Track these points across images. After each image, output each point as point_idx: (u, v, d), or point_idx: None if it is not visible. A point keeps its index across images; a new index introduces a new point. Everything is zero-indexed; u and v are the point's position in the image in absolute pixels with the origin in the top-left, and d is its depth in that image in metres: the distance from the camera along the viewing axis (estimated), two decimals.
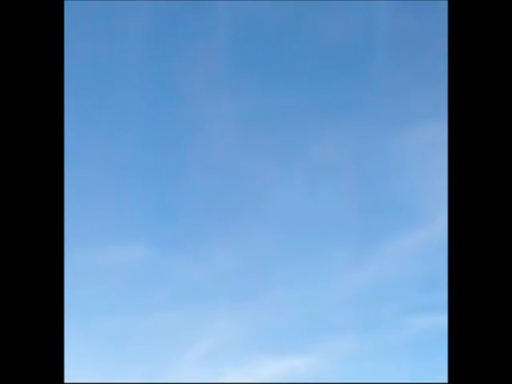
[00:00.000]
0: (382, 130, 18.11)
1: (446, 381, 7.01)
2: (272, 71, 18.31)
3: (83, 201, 18.12)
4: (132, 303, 17.75)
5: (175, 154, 18.67)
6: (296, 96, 18.27)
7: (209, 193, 18.64)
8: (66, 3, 7.81)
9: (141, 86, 18.13)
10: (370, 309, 17.53)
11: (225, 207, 18.56)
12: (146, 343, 17.19)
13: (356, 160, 18.41)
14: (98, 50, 17.66)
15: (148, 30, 17.77)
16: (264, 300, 17.78)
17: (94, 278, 17.79)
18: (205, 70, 17.93)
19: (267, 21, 17.99)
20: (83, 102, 17.86)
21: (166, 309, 17.64)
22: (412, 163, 17.86)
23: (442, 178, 10.23)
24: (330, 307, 17.63)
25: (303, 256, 18.12)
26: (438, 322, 16.54)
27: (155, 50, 18.07)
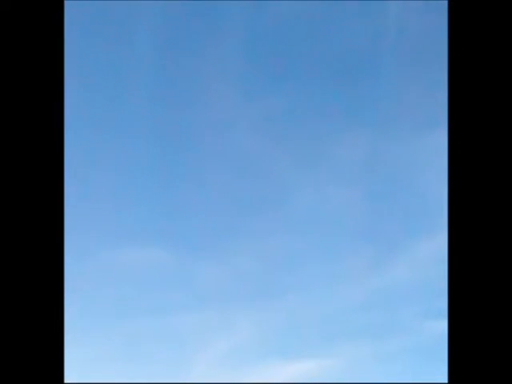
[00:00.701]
0: (404, 133, 18.05)
1: (446, 381, 7.01)
2: (285, 73, 18.34)
3: (103, 203, 18.26)
4: (151, 305, 17.84)
5: (196, 156, 18.75)
6: (317, 98, 18.30)
7: (230, 195, 18.72)
8: (66, 3, 7.79)
9: (155, 85, 18.21)
10: (387, 312, 17.49)
11: (246, 209, 18.65)
12: (163, 344, 17.29)
13: (379, 163, 18.37)
14: (109, 50, 17.78)
15: (158, 32, 17.88)
16: (282, 302, 17.78)
17: (113, 280, 17.91)
18: (220, 71, 17.96)
19: (278, 23, 18.04)
20: (95, 101, 18.01)
21: (184, 311, 17.73)
22: (434, 167, 17.75)
23: None
24: (347, 310, 17.62)
25: (323, 259, 18.13)
26: None
27: (168, 51, 18.17)
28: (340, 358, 17.16)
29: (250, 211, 18.56)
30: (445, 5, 7.85)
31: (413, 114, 17.85)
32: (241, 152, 18.65)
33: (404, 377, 15.74)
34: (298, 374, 16.96)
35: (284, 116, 18.37)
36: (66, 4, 8.16)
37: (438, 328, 16.82)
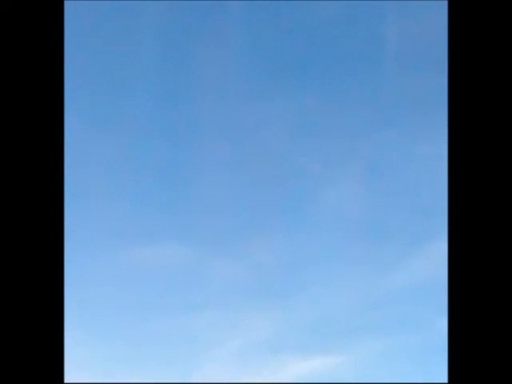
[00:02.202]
0: (427, 133, 17.95)
1: (446, 381, 6.99)
2: (302, 72, 18.31)
3: (121, 201, 18.30)
4: (167, 303, 17.87)
5: (218, 153, 18.73)
6: (343, 97, 18.27)
7: (256, 192, 18.71)
8: (66, 3, 7.80)
9: (161, 84, 18.24)
10: (402, 310, 17.41)
11: (271, 207, 18.58)
12: (177, 343, 17.31)
13: (406, 162, 18.31)
14: (111, 50, 17.82)
15: (161, 30, 17.88)
16: (298, 300, 17.77)
17: (131, 278, 17.98)
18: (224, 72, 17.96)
19: (279, 23, 18.01)
20: (99, 101, 18.05)
21: (199, 309, 17.74)
22: None
23: None
24: (362, 307, 17.60)
25: (343, 256, 18.08)
26: None
27: (172, 50, 18.18)
28: (352, 355, 17.16)
29: (277, 209, 18.58)
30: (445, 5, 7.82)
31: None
32: (270, 150, 18.67)
33: (415, 375, 15.70)
34: (310, 371, 17.01)
35: (315, 114, 18.39)
36: (68, 4, 8.16)
37: None
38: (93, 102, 18.05)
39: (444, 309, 16.01)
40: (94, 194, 18.09)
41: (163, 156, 18.71)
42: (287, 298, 17.81)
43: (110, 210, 18.07)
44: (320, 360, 17.16)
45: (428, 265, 17.45)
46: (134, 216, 18.35)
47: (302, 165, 18.61)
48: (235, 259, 18.31)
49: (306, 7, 17.65)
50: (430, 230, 17.58)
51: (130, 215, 18.31)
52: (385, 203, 18.10)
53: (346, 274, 17.87)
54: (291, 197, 18.60)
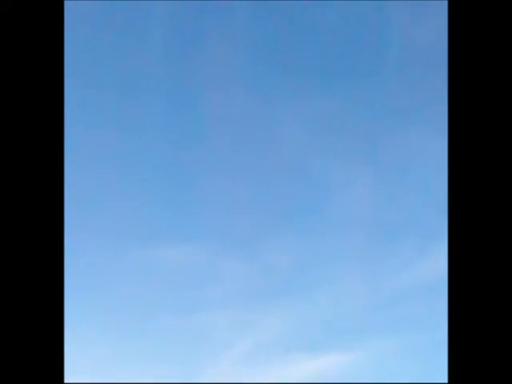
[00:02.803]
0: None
1: (446, 381, 6.98)
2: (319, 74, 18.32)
3: (134, 202, 18.36)
4: (179, 303, 17.97)
5: (232, 152, 18.75)
6: (362, 99, 18.24)
7: (270, 193, 18.75)
8: (66, 3, 7.81)
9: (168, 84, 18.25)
10: (414, 309, 17.36)
11: (285, 208, 18.67)
12: (189, 342, 17.36)
13: (421, 163, 18.28)
14: (117, 49, 17.86)
15: (167, 29, 17.90)
16: (310, 299, 17.81)
17: (144, 278, 18.07)
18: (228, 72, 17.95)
19: (282, 24, 18.00)
20: (105, 100, 18.09)
21: (212, 308, 17.81)
22: None
23: None
24: (374, 306, 17.62)
25: (355, 257, 18.10)
26: None
27: (177, 49, 18.16)
28: (365, 353, 17.20)
29: (294, 209, 18.69)
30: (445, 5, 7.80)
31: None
32: (289, 151, 18.68)
33: (425, 374, 15.65)
34: (321, 369, 17.04)
35: (334, 116, 18.38)
36: (68, 4, 8.17)
37: None
38: (98, 101, 18.14)
39: None
40: (107, 195, 18.20)
41: (174, 156, 18.77)
42: (299, 298, 17.87)
43: (124, 210, 18.17)
44: (331, 358, 17.20)
45: (440, 265, 17.42)
46: (148, 217, 18.45)
47: (318, 166, 18.62)
48: (248, 260, 18.44)
49: (310, 7, 17.67)
50: (443, 231, 17.55)
51: (144, 216, 18.41)
52: (399, 204, 18.08)
53: (357, 274, 17.92)
54: (306, 198, 18.69)
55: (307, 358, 17.29)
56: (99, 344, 16.91)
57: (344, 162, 18.48)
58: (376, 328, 17.26)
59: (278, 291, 17.98)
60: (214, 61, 17.85)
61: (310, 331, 17.55)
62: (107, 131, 18.18)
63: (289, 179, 18.69)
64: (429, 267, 17.55)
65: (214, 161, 18.67)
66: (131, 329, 17.42)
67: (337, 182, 18.46)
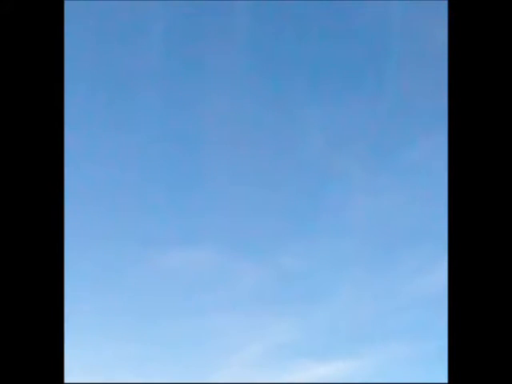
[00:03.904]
0: None
1: (446, 381, 6.96)
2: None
3: (149, 204, 18.38)
4: (191, 306, 17.99)
5: (249, 153, 18.71)
6: (382, 101, 18.20)
7: (288, 197, 18.71)
8: (66, 3, 7.82)
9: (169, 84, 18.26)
10: (426, 316, 17.27)
11: (303, 213, 18.60)
12: (200, 344, 17.35)
13: (445, 166, 18.02)
14: (118, 49, 17.88)
15: (167, 29, 17.90)
16: (321, 305, 17.78)
17: (159, 281, 18.11)
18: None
19: (282, 23, 17.97)
20: (108, 100, 18.12)
21: (225, 311, 17.81)
22: None
23: None
24: (389, 312, 17.53)
25: (369, 263, 18.03)
26: None
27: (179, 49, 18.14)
28: (372, 360, 17.11)
29: (311, 213, 18.59)
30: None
31: None
32: (310, 155, 18.65)
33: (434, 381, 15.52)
34: (327, 375, 16.97)
35: (354, 119, 18.36)
36: (68, 4, 8.18)
37: None
38: (99, 100, 18.18)
39: None
40: (118, 198, 18.24)
41: (189, 159, 18.76)
42: (311, 304, 17.83)
43: (137, 214, 18.21)
44: (339, 364, 17.15)
45: None
46: (161, 220, 18.46)
47: (337, 170, 18.56)
48: (262, 263, 18.39)
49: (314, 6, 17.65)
50: None
51: (157, 219, 18.43)
52: (418, 209, 17.96)
53: (371, 281, 17.86)
54: (325, 202, 18.59)
55: (314, 363, 17.28)
56: (109, 346, 16.99)
57: (368, 167, 18.46)
58: (387, 334, 17.25)
59: (290, 296, 17.97)
60: (215, 59, 17.89)
61: (318, 337, 17.57)
62: (113, 132, 18.26)
63: (307, 183, 18.68)
64: (441, 274, 17.47)
65: (230, 164, 18.67)
66: (142, 331, 17.49)
67: (356, 187, 18.41)
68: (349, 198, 18.40)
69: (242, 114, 18.28)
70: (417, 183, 18.13)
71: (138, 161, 18.40)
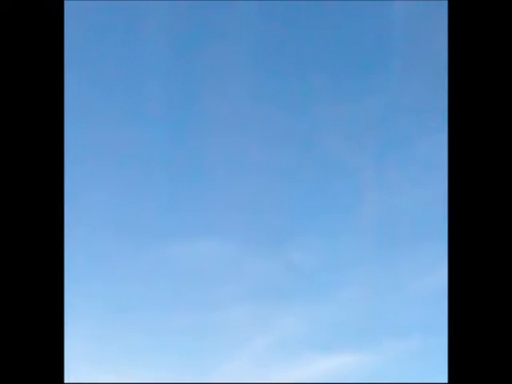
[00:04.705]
0: None
1: (446, 381, 6.98)
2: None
3: (159, 197, 18.41)
4: (199, 299, 18.00)
5: (268, 152, 18.75)
6: (394, 95, 18.15)
7: (303, 191, 18.72)
8: (66, 3, 7.83)
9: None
10: (439, 310, 17.18)
11: (316, 208, 18.62)
12: (207, 337, 17.39)
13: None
14: (121, 46, 17.87)
15: (168, 27, 17.88)
16: (329, 299, 17.75)
17: (169, 274, 18.16)
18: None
19: (285, 22, 17.95)
20: (110, 98, 18.12)
21: (233, 304, 17.82)
22: None
23: None
24: (398, 307, 17.47)
25: (379, 259, 17.97)
26: None
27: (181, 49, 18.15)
28: (379, 354, 17.08)
29: (318, 210, 18.58)
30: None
31: None
32: (323, 149, 18.64)
33: (438, 376, 15.51)
34: (332, 368, 17.00)
35: (367, 114, 18.30)
36: (68, 4, 8.18)
37: None
38: (100, 99, 18.20)
39: None
40: (129, 190, 18.28)
41: (201, 152, 18.76)
42: (319, 298, 17.80)
43: (147, 206, 18.24)
44: (346, 358, 17.15)
45: None
46: (171, 213, 18.49)
47: (354, 167, 18.55)
48: (272, 257, 18.38)
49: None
50: None
51: (167, 212, 18.46)
52: (433, 205, 17.89)
53: (380, 276, 17.78)
54: (336, 197, 18.57)
55: (321, 356, 17.28)
56: (117, 338, 17.07)
57: (384, 163, 18.41)
58: (398, 328, 17.22)
59: (298, 290, 17.96)
60: (216, 58, 17.88)
61: (325, 330, 17.54)
62: (117, 126, 18.29)
63: (319, 178, 18.65)
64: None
65: (241, 157, 18.68)
66: (150, 323, 17.52)
67: (369, 183, 18.37)
68: (360, 193, 18.40)
69: (253, 110, 18.32)
70: (429, 178, 18.10)
71: (145, 154, 18.45)
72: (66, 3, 7.84)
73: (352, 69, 18.47)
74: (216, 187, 18.50)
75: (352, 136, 18.48)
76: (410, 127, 18.34)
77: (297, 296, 17.85)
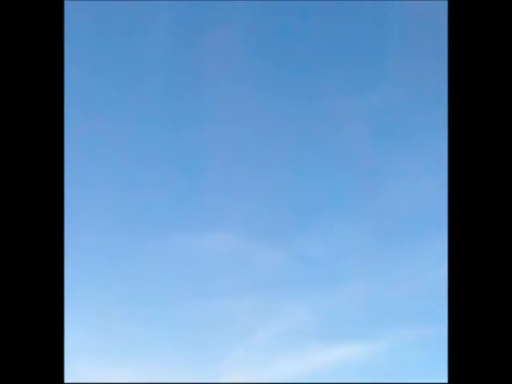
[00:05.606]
0: None
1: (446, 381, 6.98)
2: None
3: (169, 190, 18.46)
4: (208, 289, 18.09)
5: (276, 141, 18.73)
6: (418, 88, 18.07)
7: (316, 182, 18.75)
8: (66, 3, 7.81)
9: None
10: (442, 303, 17.13)
11: (329, 198, 18.64)
12: (214, 327, 17.46)
13: None
14: (121, 42, 17.87)
15: (170, 24, 17.85)
16: (338, 290, 17.78)
17: (179, 264, 18.25)
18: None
19: (284, 18, 17.88)
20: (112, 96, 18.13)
21: (240, 295, 17.87)
22: None
23: None
24: (404, 298, 17.47)
25: (389, 251, 17.98)
26: None
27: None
28: (384, 344, 17.15)
29: (332, 201, 18.60)
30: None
31: None
32: (346, 143, 18.63)
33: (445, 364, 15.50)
34: (337, 358, 17.07)
35: (387, 107, 18.27)
36: (67, 4, 8.17)
37: None
38: (100, 93, 18.20)
39: None
40: (137, 183, 18.33)
41: (212, 145, 18.78)
42: (328, 288, 17.82)
43: (156, 198, 18.30)
44: (351, 347, 17.22)
45: None
46: (182, 204, 18.56)
47: (366, 157, 18.53)
48: (281, 248, 18.45)
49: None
50: None
51: (177, 204, 18.53)
52: (443, 199, 17.74)
53: (390, 268, 17.79)
54: (348, 189, 18.54)
55: (328, 346, 17.33)
56: (123, 329, 17.16)
57: (402, 157, 18.37)
58: (402, 319, 17.25)
59: (306, 280, 18.02)
60: (218, 51, 17.85)
61: (332, 321, 17.58)
62: (126, 120, 18.30)
63: (332, 169, 18.65)
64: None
65: (253, 150, 18.69)
66: (158, 314, 17.61)
67: (385, 175, 18.36)
68: (376, 185, 18.41)
69: (256, 103, 18.31)
70: (441, 170, 18.03)
71: (150, 147, 18.52)
72: (66, 3, 7.81)
73: (356, 62, 18.43)
74: (225, 180, 18.56)
75: (359, 128, 18.47)
76: (414, 120, 18.33)
77: (304, 287, 17.93)
